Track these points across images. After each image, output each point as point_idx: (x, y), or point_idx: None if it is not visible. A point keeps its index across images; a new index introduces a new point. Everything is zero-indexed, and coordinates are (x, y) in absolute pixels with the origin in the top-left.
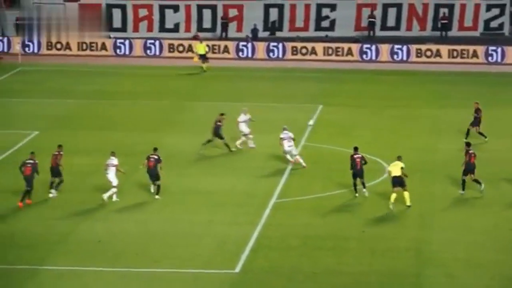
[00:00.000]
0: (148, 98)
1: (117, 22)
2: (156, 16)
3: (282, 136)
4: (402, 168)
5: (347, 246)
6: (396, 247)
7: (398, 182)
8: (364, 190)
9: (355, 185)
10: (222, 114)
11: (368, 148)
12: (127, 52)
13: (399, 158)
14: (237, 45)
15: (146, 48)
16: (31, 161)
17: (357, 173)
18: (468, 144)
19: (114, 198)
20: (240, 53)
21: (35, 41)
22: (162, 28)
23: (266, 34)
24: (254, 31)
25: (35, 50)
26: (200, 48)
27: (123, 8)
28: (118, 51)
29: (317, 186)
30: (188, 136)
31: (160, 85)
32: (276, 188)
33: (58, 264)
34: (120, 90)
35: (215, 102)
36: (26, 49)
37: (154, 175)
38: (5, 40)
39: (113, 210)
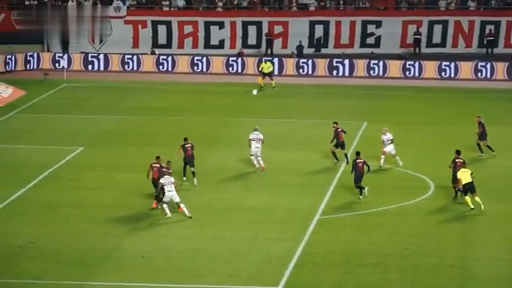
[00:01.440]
0: (193, 114)
1: (162, 39)
2: (201, 33)
3: (252, 137)
4: (472, 173)
5: (391, 263)
6: (440, 264)
7: (470, 188)
8: (365, 190)
9: (359, 187)
10: (335, 123)
11: (412, 165)
12: (169, 69)
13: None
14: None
15: (192, 64)
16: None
17: (358, 178)
18: (458, 152)
19: (187, 213)
20: (285, 70)
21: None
22: (207, 45)
23: (311, 50)
24: (299, 47)
25: (79, 67)
26: (265, 67)
27: (168, 24)
28: (161, 67)
29: (360, 202)
30: (232, 153)
31: (205, 102)
32: (320, 205)
33: (103, 279)
34: (164, 106)
35: (260, 118)
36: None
37: (192, 162)
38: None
39: (157, 226)
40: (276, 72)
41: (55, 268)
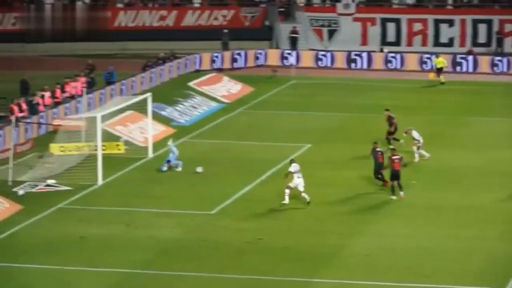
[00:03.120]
0: (423, 113)
1: (391, 36)
2: (430, 31)
3: (418, 143)
4: None
5: None
6: None
7: None
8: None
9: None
10: None
11: None
12: (398, 66)
13: None
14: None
15: (421, 62)
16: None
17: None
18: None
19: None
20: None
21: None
22: (436, 43)
23: None
24: None
25: (308, 64)
26: (437, 62)
27: (397, 22)
28: (389, 65)
29: None
30: (461, 152)
31: (433, 100)
32: None
33: (329, 277)
34: (393, 104)
35: (490, 118)
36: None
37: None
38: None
39: (383, 225)
40: (504, 70)
41: (282, 265)
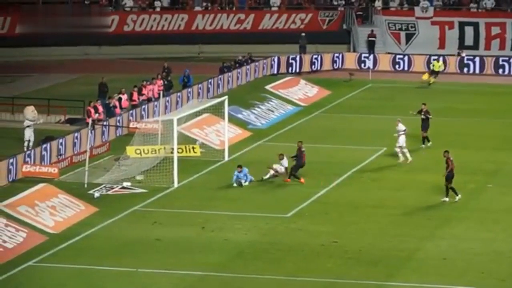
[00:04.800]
0: (497, 117)
1: (468, 40)
2: (508, 35)
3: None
4: None
5: None
6: None
7: None
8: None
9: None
10: None
11: None
12: (476, 70)
13: None
14: None
15: (498, 66)
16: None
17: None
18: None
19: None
20: None
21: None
22: None
23: None
24: None
25: (385, 67)
26: (436, 65)
27: (475, 26)
28: (465, 69)
29: None
30: None
31: (509, 103)
32: None
33: (404, 280)
34: (468, 108)
35: None
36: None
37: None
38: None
39: (459, 228)
40: None
41: (356, 268)
